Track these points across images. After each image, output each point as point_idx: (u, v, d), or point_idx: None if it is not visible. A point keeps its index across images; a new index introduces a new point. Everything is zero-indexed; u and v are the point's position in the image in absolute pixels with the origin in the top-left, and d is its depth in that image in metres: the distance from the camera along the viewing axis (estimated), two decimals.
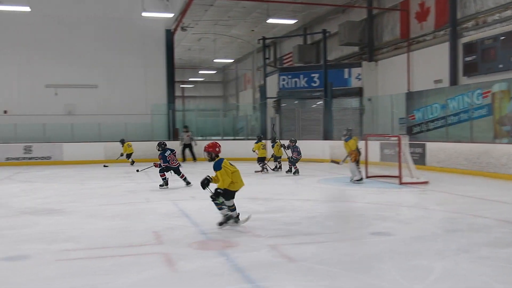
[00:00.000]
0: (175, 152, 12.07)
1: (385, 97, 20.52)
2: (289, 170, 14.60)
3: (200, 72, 45.75)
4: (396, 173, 11.88)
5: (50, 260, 5.34)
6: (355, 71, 23.82)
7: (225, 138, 24.61)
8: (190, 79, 47.99)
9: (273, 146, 15.39)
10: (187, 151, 20.75)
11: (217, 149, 6.99)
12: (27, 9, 19.40)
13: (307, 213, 8.02)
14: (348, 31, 23.63)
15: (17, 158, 19.83)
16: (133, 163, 18.52)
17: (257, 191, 10.89)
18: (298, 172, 14.39)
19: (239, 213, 6.97)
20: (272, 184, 12.53)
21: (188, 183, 11.70)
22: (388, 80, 22.56)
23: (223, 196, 6.75)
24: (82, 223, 7.44)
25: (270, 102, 24.04)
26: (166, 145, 11.95)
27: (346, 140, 12.33)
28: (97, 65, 23.14)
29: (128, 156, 18.77)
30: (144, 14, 20.73)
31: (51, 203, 9.58)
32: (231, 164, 6.88)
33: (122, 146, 18.83)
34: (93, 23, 22.99)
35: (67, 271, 4.93)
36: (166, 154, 11.59)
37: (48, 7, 22.28)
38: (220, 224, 6.82)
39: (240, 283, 4.49)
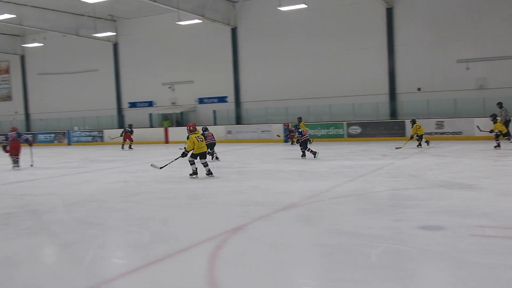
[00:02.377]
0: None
1: None
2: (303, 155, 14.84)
3: None
4: None
5: (464, 234, 5.41)
6: None
7: None
8: None
9: (412, 126, 17.42)
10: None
11: (190, 128, 11.20)
12: None
13: None
14: None
15: (430, 133, 20.61)
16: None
17: None
18: (304, 155, 14.80)
19: (197, 167, 10.97)
20: None
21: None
22: None
23: (191, 156, 10.92)
24: (496, 200, 7.21)
25: None
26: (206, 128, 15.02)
27: None
28: None
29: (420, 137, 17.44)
30: None
31: (463, 177, 9.63)
32: (198, 138, 10.89)
33: (412, 127, 17.51)
34: None
35: (481, 247, 4.89)
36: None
37: None
38: (190, 174, 11.02)
39: None
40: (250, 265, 4.68)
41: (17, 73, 36.57)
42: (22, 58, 35.88)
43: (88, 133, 30.42)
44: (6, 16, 23.07)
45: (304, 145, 14.80)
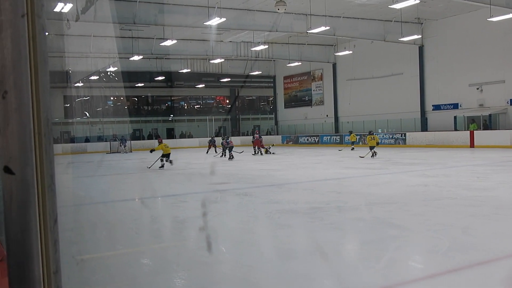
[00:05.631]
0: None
1: None
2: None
3: None
4: None
5: None
6: None
7: None
8: None
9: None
10: None
11: (159, 140, 19.98)
12: None
13: None
14: None
15: None
16: None
17: None
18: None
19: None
20: None
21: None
22: None
23: (162, 155, 17.68)
24: None
25: None
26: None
27: None
28: None
29: None
30: None
31: None
32: (165, 146, 17.57)
33: None
34: None
35: None
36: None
37: None
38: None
39: None
40: None
41: (329, 79, 39.85)
42: (334, 66, 38.88)
43: (391, 136, 31.05)
44: (322, 28, 25.41)
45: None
